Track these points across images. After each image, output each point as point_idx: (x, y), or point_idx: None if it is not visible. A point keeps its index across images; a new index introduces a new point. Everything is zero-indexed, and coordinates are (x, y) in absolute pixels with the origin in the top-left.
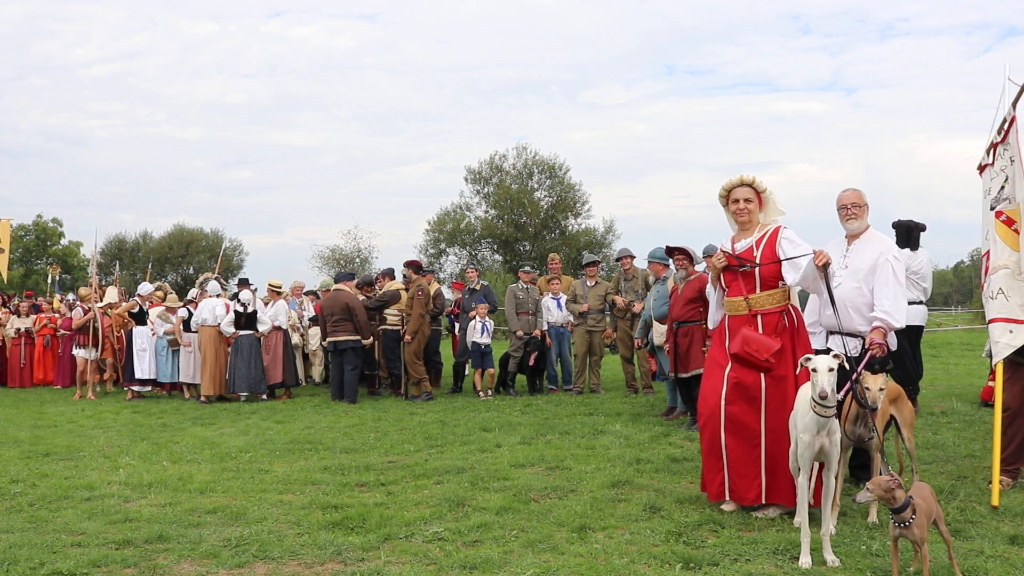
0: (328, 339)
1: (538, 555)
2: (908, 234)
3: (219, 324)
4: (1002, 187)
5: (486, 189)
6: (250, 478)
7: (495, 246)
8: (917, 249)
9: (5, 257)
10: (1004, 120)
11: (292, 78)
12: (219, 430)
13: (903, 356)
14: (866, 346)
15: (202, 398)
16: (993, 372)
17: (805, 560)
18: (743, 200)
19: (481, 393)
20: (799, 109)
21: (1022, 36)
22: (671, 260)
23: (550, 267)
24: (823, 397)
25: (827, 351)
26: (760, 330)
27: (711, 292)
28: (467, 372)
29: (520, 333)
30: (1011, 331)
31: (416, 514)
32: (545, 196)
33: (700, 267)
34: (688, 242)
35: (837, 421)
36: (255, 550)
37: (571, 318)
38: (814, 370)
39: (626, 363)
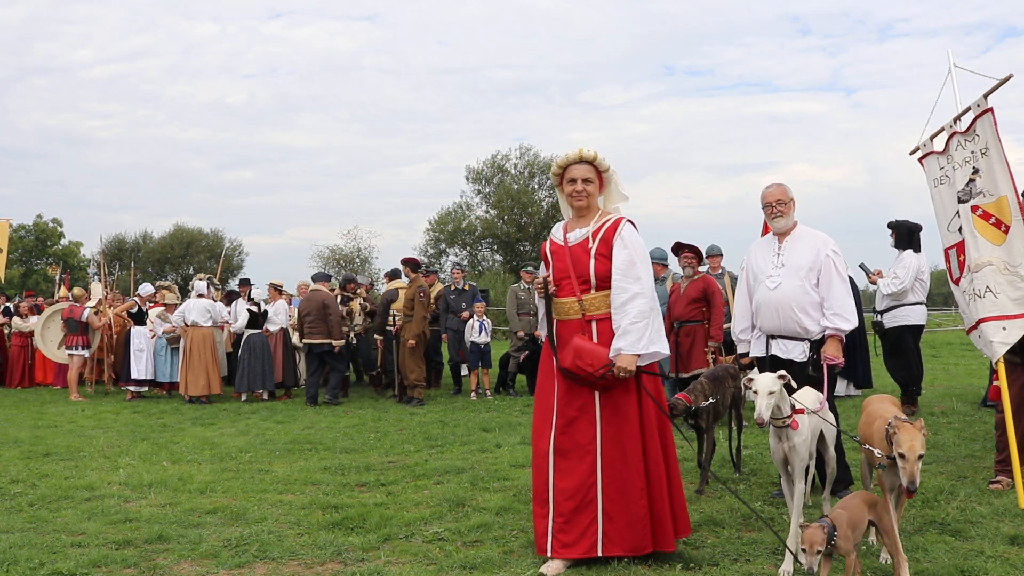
0: (304, 341)
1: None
2: (910, 235)
3: (218, 325)
4: (971, 180)
5: (487, 189)
6: (250, 478)
7: (495, 246)
8: (919, 251)
9: (4, 257)
10: (967, 109)
11: (292, 79)
12: (219, 430)
13: (908, 355)
14: (821, 360)
15: (188, 398)
16: (996, 373)
17: (786, 567)
18: (581, 180)
19: (474, 394)
20: (799, 109)
21: (1021, 36)
22: (679, 257)
23: None
24: (760, 424)
25: (770, 359)
26: (595, 339)
27: (538, 301)
28: (464, 373)
29: (521, 333)
30: (1004, 328)
31: (416, 514)
32: (546, 196)
33: (704, 267)
34: (690, 242)
35: (794, 430)
36: (255, 550)
37: None
38: (755, 392)
39: None
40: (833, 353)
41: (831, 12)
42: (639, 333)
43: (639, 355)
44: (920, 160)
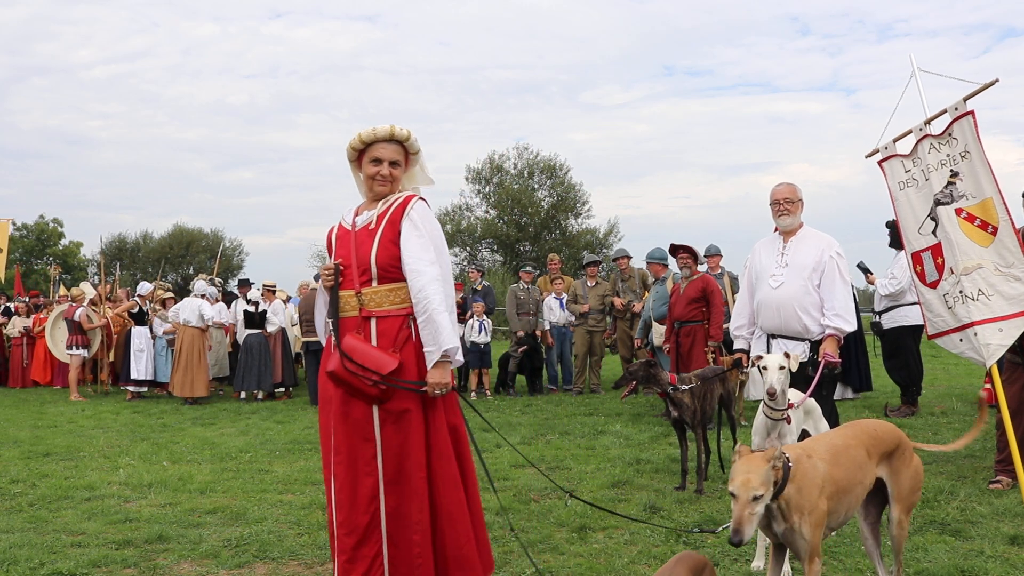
0: (303, 340)
1: (538, 555)
2: None
3: (203, 325)
4: (950, 183)
5: (487, 189)
6: (250, 478)
7: (495, 246)
8: None
9: (4, 257)
10: (942, 112)
11: (293, 79)
12: (219, 430)
13: (907, 356)
14: (819, 357)
15: (186, 399)
16: (989, 376)
17: (757, 563)
18: (388, 163)
19: (474, 393)
20: (798, 109)
21: (1021, 37)
22: (675, 258)
23: (550, 267)
24: (771, 394)
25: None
26: (374, 340)
27: (321, 294)
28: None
29: (521, 333)
30: (1000, 329)
31: None
32: (546, 196)
33: (703, 267)
34: (689, 242)
35: (788, 425)
36: (255, 550)
37: (572, 318)
38: (764, 368)
39: (626, 363)
40: (831, 350)
41: (831, 12)
42: (449, 323)
43: (452, 359)
44: (880, 163)
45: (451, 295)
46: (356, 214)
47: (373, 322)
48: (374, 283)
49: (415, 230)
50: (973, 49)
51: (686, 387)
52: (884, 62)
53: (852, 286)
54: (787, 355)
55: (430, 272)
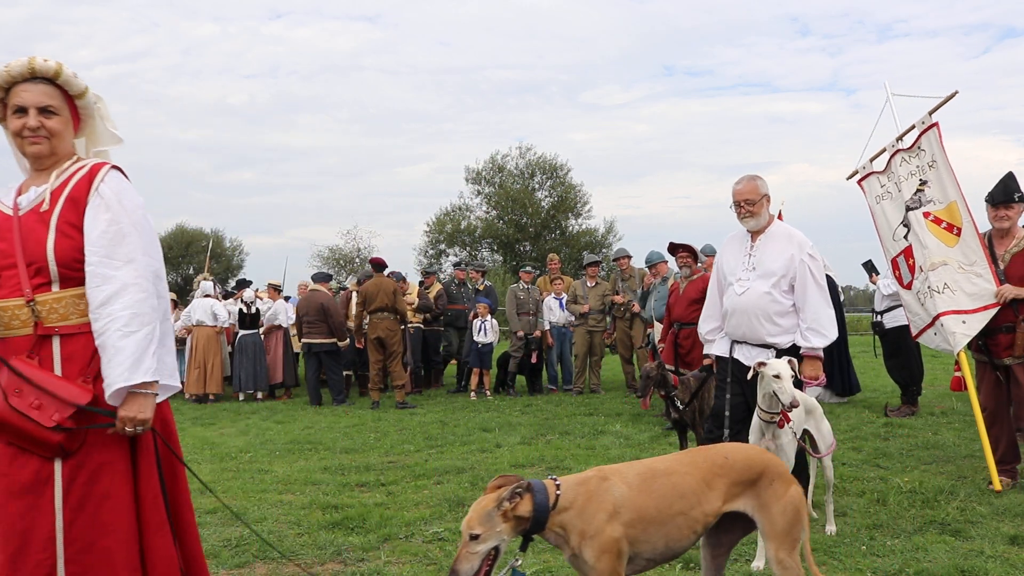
0: (303, 340)
1: (538, 555)
2: None
3: (217, 324)
4: (919, 190)
5: (487, 189)
6: (250, 478)
7: (495, 246)
8: None
9: None
10: (911, 128)
11: (293, 79)
12: (219, 430)
13: (908, 356)
14: (801, 378)
15: (188, 396)
16: (958, 363)
17: (757, 563)
18: (36, 110)
19: (473, 394)
20: (798, 109)
21: (1020, 37)
22: (675, 257)
23: (550, 267)
24: (795, 406)
25: (732, 360)
26: (58, 368)
27: None
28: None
29: (520, 333)
30: (964, 322)
31: (416, 514)
32: (546, 196)
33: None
34: (688, 242)
35: (780, 429)
36: (255, 550)
37: (572, 318)
38: (777, 376)
39: (625, 363)
40: (811, 374)
41: (831, 12)
42: (138, 349)
43: (153, 389)
44: (859, 183)
45: (162, 296)
46: (19, 193)
47: (56, 342)
48: (55, 287)
49: (105, 212)
50: (973, 49)
51: (684, 405)
52: (884, 62)
53: (834, 287)
54: (790, 361)
55: (121, 277)
